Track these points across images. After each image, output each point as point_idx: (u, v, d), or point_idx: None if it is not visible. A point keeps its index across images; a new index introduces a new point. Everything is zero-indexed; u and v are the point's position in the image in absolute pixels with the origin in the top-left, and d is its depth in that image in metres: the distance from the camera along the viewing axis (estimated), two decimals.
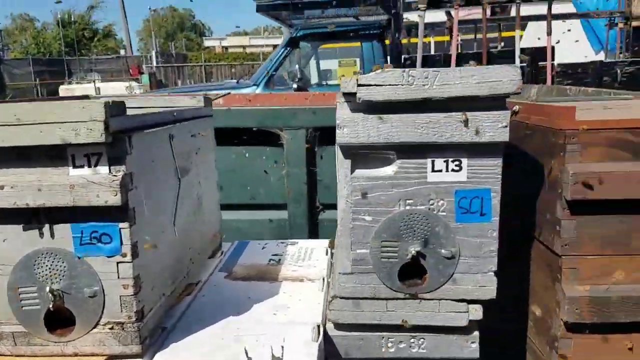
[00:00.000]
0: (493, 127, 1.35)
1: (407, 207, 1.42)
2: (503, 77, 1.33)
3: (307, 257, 1.98)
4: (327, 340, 1.50)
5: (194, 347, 1.35)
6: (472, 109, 1.36)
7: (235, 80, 8.44)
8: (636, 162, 1.37)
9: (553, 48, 6.60)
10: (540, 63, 6.16)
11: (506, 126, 1.35)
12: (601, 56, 9.39)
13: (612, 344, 1.42)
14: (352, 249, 1.45)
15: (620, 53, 8.78)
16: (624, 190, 1.35)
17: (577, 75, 5.75)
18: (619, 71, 5.72)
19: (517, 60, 5.71)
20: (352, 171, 1.42)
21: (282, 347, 1.32)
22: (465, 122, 1.35)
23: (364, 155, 1.42)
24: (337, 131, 1.38)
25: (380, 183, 1.41)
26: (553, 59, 6.55)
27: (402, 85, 1.33)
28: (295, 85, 6.58)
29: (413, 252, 1.42)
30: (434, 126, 1.36)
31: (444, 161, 1.41)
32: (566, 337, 1.43)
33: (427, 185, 1.41)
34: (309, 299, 1.62)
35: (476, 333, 1.50)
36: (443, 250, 1.44)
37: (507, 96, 1.37)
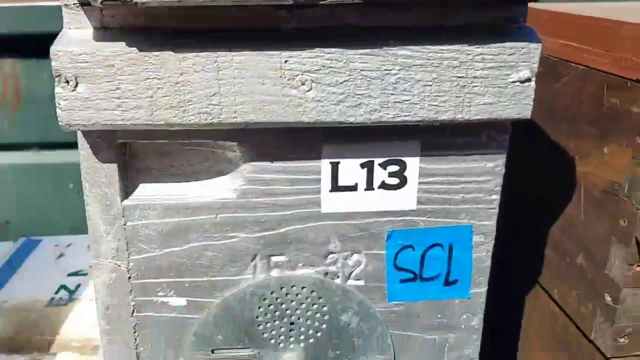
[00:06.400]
0: (494, 80, 0.50)
1: (274, 273, 0.59)
2: None
3: None
4: None
5: None
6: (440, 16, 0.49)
7: None
8: None
9: None
10: None
11: (530, 79, 0.50)
12: None
13: None
14: None
15: None
16: None
17: None
18: None
19: None
20: (127, 192, 0.55)
21: None
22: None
23: (151, 149, 0.55)
24: (60, 94, 0.48)
25: (204, 220, 0.56)
26: None
27: None
28: None
29: None
30: (331, 74, 0.49)
31: (364, 164, 0.56)
32: None
33: (322, 222, 0.57)
34: None
35: None
36: None
37: None
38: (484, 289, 0.62)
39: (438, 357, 0.64)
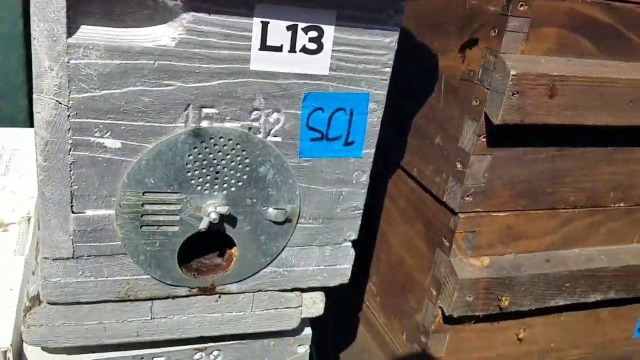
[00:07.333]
0: None
1: (204, 124, 0.65)
2: None
3: (5, 165, 1.07)
4: None
5: None
6: None
7: None
8: (601, 59, 0.82)
9: None
10: None
11: None
12: None
13: (497, 335, 0.97)
14: (75, 210, 0.65)
15: None
16: (585, 110, 0.80)
17: None
18: None
19: None
20: (71, 29, 0.57)
21: None
22: None
23: None
24: None
25: (144, 65, 0.60)
26: None
27: None
28: None
29: (213, 214, 0.69)
30: None
31: (289, 27, 0.65)
32: (442, 330, 0.92)
33: (250, 79, 0.65)
34: None
35: (307, 331, 0.89)
36: (271, 209, 0.73)
37: None
38: (372, 150, 0.75)
39: (333, 207, 0.77)
